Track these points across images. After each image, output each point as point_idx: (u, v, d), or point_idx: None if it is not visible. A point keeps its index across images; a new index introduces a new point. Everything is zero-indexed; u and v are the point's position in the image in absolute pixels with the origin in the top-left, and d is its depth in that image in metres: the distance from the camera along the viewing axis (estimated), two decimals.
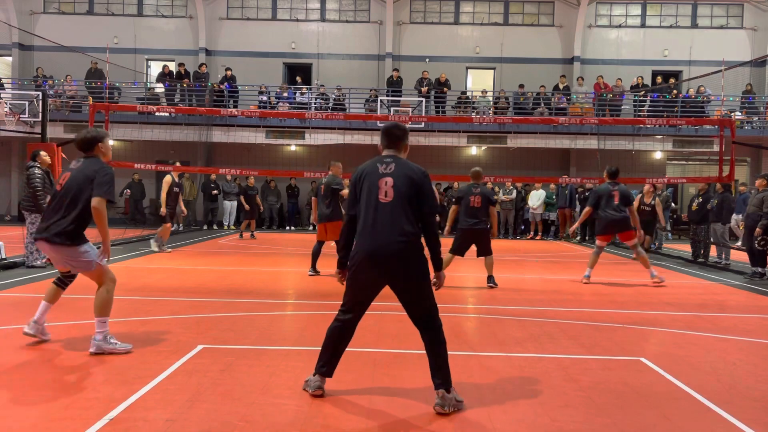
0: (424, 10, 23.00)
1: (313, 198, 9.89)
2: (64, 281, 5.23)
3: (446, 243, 9.59)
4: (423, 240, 3.87)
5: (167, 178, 12.36)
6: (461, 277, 9.85)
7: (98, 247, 4.96)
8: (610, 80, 20.59)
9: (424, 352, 3.84)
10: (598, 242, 9.72)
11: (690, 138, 19.87)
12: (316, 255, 9.51)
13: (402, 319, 6.16)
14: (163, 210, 12.08)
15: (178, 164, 12.41)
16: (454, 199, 8.85)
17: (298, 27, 22.85)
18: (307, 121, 19.32)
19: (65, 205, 4.76)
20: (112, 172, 4.87)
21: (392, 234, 3.73)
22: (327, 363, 3.92)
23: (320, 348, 3.96)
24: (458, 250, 8.67)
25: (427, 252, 3.86)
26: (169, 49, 22.71)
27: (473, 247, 8.82)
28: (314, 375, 3.97)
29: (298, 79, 21.50)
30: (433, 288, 3.92)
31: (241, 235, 16.43)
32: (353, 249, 3.88)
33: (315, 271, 9.48)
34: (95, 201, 4.68)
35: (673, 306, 7.58)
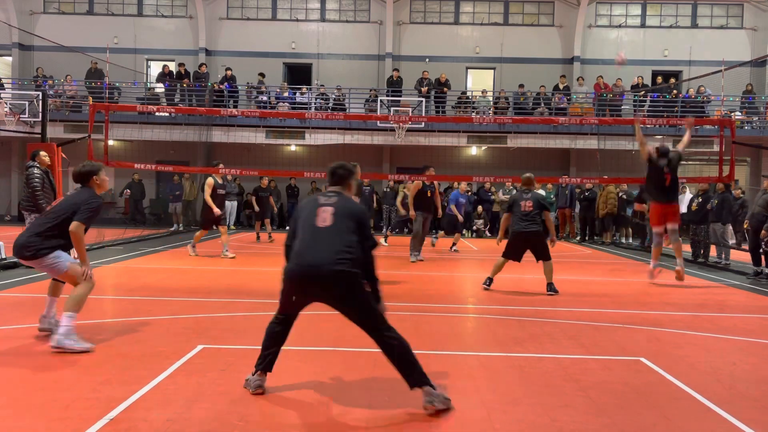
0: (424, 10, 23.00)
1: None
2: None
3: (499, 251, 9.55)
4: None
5: (209, 181, 11.62)
6: (463, 277, 9.85)
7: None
8: (610, 80, 20.58)
9: (424, 352, 3.85)
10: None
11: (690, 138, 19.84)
12: None
13: (402, 319, 6.15)
14: (216, 211, 11.25)
15: (221, 166, 11.69)
16: (506, 207, 8.78)
17: (298, 27, 22.85)
18: (307, 121, 19.32)
19: (47, 226, 4.99)
20: (100, 203, 5.11)
21: (329, 255, 3.70)
22: (270, 360, 4.00)
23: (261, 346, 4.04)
24: (511, 253, 8.45)
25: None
26: (169, 49, 22.71)
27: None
28: (254, 374, 3.99)
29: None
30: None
31: (258, 238, 15.95)
32: (287, 267, 3.88)
33: None
34: (73, 225, 4.89)
35: (673, 306, 7.58)
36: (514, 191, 18.75)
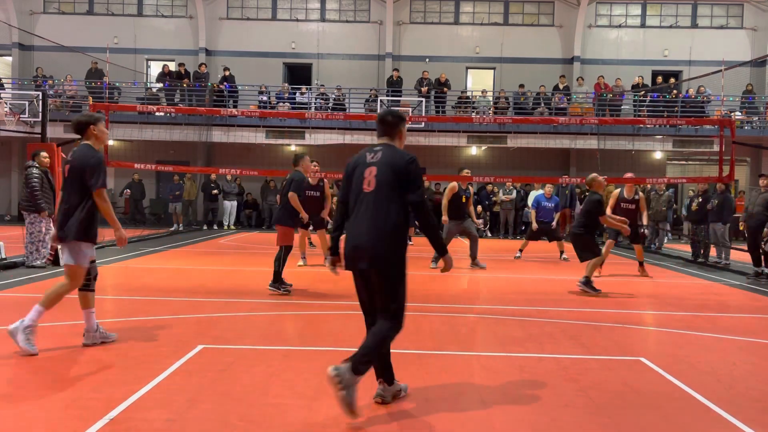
0: (424, 10, 23.00)
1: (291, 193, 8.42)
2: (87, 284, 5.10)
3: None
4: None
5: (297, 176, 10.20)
6: (463, 277, 9.85)
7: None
8: (610, 80, 20.58)
9: (424, 352, 3.84)
10: None
11: (690, 138, 19.87)
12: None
13: None
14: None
15: (316, 164, 10.30)
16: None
17: (298, 27, 22.85)
18: (307, 121, 19.32)
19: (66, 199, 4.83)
20: (100, 158, 4.84)
21: (370, 227, 3.64)
22: (382, 366, 3.84)
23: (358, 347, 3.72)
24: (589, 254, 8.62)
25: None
26: (169, 49, 22.71)
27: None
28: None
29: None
30: (439, 270, 3.81)
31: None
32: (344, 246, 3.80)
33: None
34: (94, 195, 4.78)
35: (673, 306, 7.58)
36: (514, 191, 18.80)
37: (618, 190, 10.50)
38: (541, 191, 12.09)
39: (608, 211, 10.07)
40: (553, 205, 11.99)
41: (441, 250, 3.83)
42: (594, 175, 8.74)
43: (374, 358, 3.63)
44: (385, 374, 3.81)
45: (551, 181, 17.31)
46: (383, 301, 3.67)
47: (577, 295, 8.30)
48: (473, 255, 10.75)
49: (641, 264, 10.38)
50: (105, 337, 5.06)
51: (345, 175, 3.91)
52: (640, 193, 10.33)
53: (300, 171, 8.36)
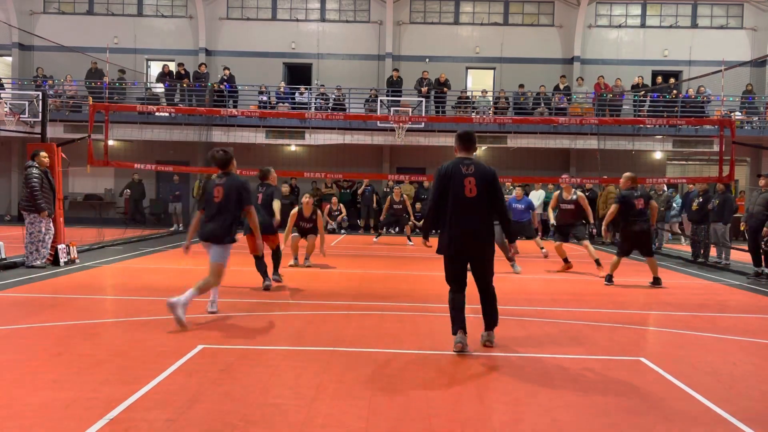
0: (424, 10, 23.00)
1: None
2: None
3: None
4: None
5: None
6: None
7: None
8: (610, 80, 20.58)
9: (424, 352, 3.84)
10: None
11: (690, 138, 19.86)
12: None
13: (402, 319, 6.16)
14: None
15: (307, 197, 10.42)
16: (618, 199, 9.24)
17: (298, 27, 22.85)
18: (307, 121, 19.32)
19: (222, 211, 6.19)
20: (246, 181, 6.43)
21: (477, 224, 5.01)
22: (459, 325, 5.05)
23: (450, 316, 5.12)
24: (626, 251, 9.26)
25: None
26: (169, 49, 22.71)
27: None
28: (455, 334, 5.01)
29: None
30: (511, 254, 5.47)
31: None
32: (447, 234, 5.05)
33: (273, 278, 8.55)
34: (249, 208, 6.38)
35: (673, 306, 7.58)
36: (514, 192, 18.75)
37: (558, 191, 11.17)
38: (513, 195, 12.67)
39: (550, 211, 11.74)
40: (524, 206, 12.47)
41: (512, 238, 5.51)
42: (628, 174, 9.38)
43: (497, 313, 5.26)
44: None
45: (551, 181, 17.38)
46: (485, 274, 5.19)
47: (577, 295, 8.30)
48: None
49: (597, 262, 10.42)
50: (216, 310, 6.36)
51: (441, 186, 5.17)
52: (578, 193, 10.83)
53: (271, 184, 8.95)
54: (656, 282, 9.14)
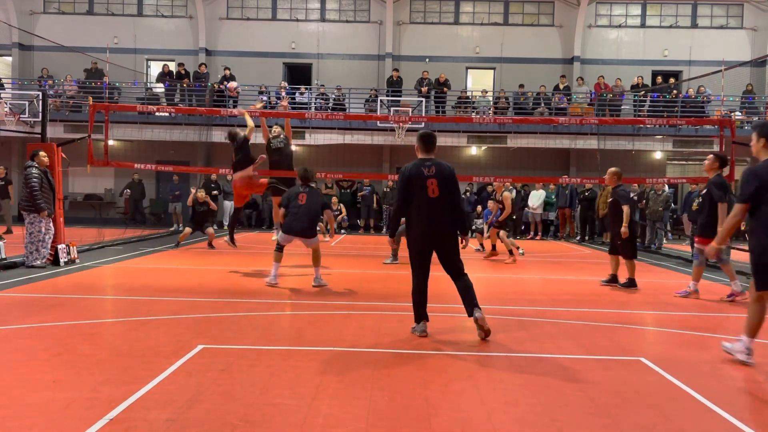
0: (424, 10, 23.00)
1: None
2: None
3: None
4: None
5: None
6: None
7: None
8: (610, 80, 20.59)
9: (424, 352, 3.84)
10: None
11: (690, 138, 19.87)
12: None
13: (402, 319, 6.16)
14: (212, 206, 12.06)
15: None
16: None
17: (298, 27, 22.85)
18: (307, 121, 19.32)
19: (310, 215, 8.23)
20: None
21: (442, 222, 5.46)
22: (422, 312, 5.56)
23: (412, 307, 5.58)
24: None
25: None
26: (169, 49, 22.71)
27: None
28: (418, 323, 5.54)
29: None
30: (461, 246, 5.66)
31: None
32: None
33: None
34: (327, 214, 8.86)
35: (673, 306, 7.58)
36: (514, 191, 18.76)
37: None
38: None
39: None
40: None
41: (465, 231, 5.89)
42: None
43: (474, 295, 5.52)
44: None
45: (551, 181, 17.38)
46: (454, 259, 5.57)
47: (577, 295, 8.30)
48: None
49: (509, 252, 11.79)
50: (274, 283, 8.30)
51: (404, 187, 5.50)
52: (506, 193, 12.06)
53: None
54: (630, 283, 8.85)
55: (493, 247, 12.50)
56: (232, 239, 11.30)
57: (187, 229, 13.79)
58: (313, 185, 8.53)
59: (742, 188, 4.85)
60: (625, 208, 8.67)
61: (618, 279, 9.07)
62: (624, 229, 8.70)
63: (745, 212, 4.91)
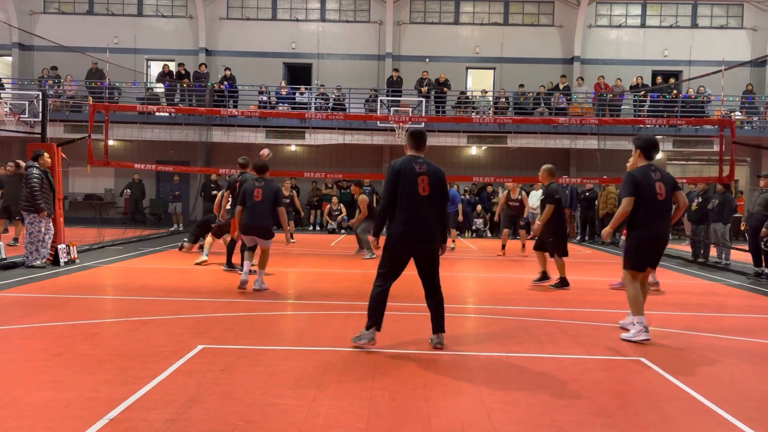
0: (424, 10, 23.00)
1: (226, 192, 9.77)
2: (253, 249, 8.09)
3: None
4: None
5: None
6: (462, 277, 9.84)
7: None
8: (610, 80, 20.58)
9: (424, 352, 3.84)
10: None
11: (690, 138, 19.87)
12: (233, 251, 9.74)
13: (401, 319, 6.16)
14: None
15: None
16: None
17: (298, 27, 22.85)
18: (307, 121, 19.33)
19: (266, 213, 7.86)
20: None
21: (426, 227, 5.07)
22: (378, 319, 5.10)
23: (367, 311, 5.16)
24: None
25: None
26: (169, 49, 22.71)
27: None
28: (368, 329, 5.07)
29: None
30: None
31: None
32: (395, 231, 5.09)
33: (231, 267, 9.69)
34: (281, 212, 7.98)
35: (673, 306, 7.58)
36: (540, 191, 18.72)
37: (506, 192, 13.58)
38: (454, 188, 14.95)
39: (498, 208, 14.01)
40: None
41: (444, 238, 5.38)
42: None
43: (444, 317, 5.20)
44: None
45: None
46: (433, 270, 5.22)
47: (577, 295, 8.30)
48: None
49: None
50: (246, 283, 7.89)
51: (393, 182, 5.15)
52: (523, 193, 13.07)
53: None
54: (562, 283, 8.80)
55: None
56: (230, 264, 9.79)
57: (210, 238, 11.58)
58: (267, 177, 8.11)
59: (624, 187, 5.79)
60: (549, 207, 8.67)
61: (548, 275, 8.96)
62: (537, 225, 8.87)
63: (630, 205, 5.68)
